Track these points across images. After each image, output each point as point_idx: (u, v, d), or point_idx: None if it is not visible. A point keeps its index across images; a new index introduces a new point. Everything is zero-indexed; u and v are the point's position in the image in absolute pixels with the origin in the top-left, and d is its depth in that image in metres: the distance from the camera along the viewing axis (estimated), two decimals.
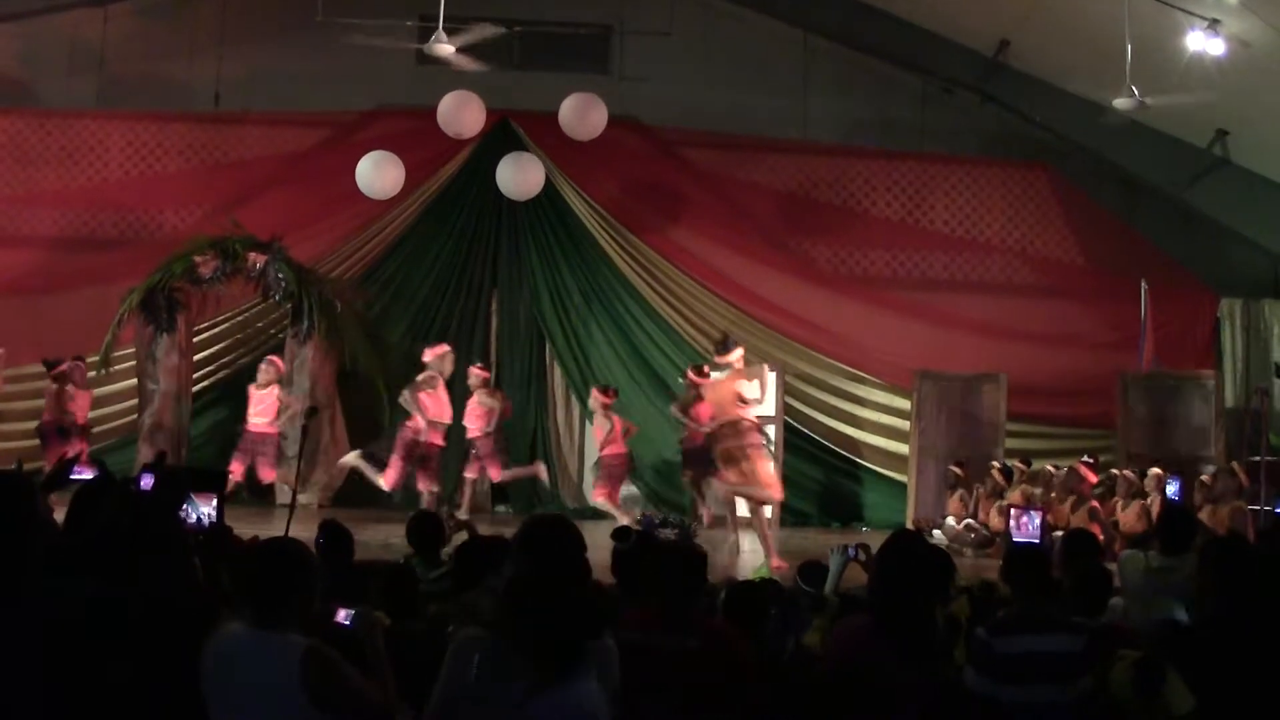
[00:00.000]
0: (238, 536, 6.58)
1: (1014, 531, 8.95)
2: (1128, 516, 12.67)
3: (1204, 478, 12.81)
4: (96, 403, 15.21)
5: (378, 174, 14.46)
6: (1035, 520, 10.52)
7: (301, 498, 13.14)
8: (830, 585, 6.28)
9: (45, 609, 3.67)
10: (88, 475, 6.41)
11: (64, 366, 14.20)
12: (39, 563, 3.79)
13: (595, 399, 14.63)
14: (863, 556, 6.30)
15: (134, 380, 15.12)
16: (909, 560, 4.64)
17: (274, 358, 14.72)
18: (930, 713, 4.47)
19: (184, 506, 6.27)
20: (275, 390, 14.53)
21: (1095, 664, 4.84)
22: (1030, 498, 13.19)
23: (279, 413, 14.53)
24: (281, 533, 8.18)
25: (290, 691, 3.79)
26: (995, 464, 14.21)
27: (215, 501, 6.37)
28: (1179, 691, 4.68)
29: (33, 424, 14.50)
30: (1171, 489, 12.59)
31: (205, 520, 6.29)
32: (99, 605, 3.84)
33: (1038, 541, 8.95)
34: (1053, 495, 13.34)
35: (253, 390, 14.62)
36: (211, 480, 6.77)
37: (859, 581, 6.45)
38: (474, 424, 14.43)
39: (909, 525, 14.74)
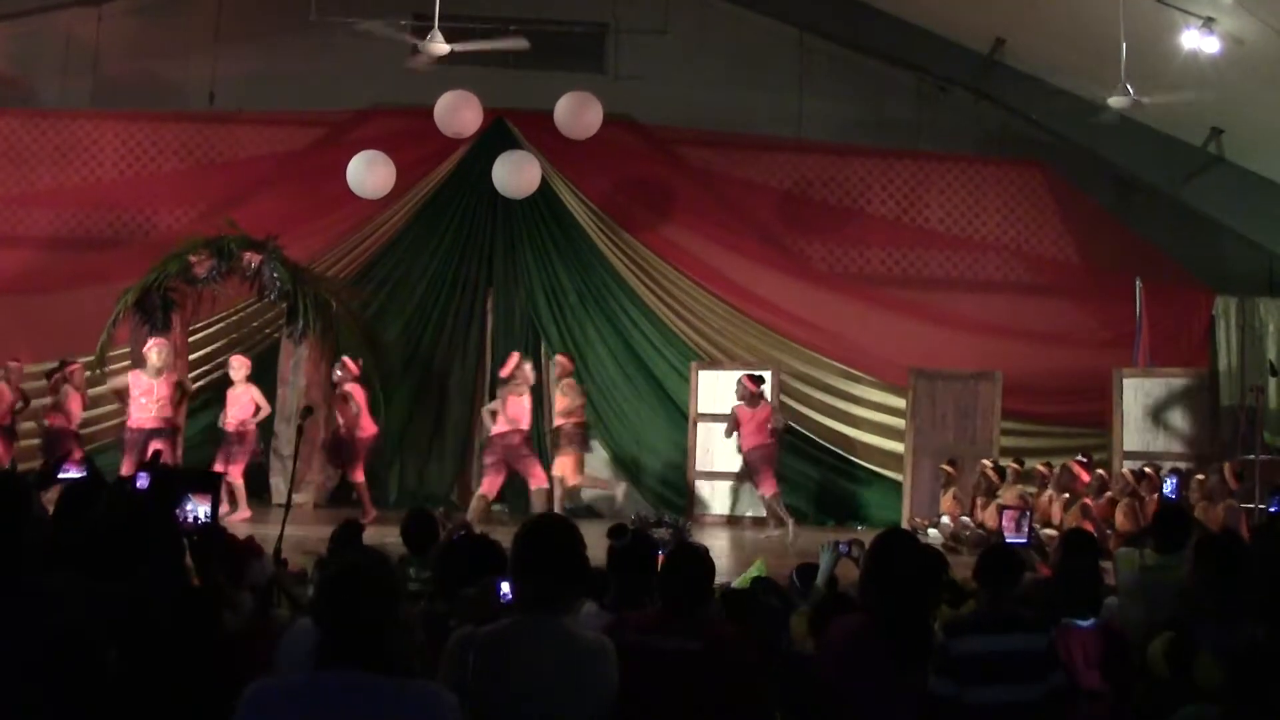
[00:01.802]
0: (232, 535, 6.58)
1: (1006, 531, 8.92)
2: (1117, 514, 12.68)
3: (1199, 476, 12.83)
4: (91, 403, 15.21)
5: (368, 173, 14.44)
6: (1028, 519, 10.51)
7: (297, 497, 13.10)
8: (821, 582, 6.25)
9: (41, 606, 3.67)
10: (76, 474, 6.40)
11: (72, 366, 14.20)
12: (35, 561, 3.79)
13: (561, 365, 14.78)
14: (856, 553, 6.26)
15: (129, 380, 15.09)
16: (899, 559, 4.62)
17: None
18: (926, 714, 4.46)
19: (184, 506, 6.27)
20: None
21: (1061, 663, 4.83)
22: (1024, 496, 13.20)
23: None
24: (277, 532, 8.18)
25: None
26: (986, 462, 14.21)
27: (210, 501, 6.35)
28: (1207, 666, 4.73)
29: (31, 424, 14.51)
30: (1168, 487, 12.60)
31: (203, 519, 6.29)
32: (95, 603, 3.84)
33: (1026, 541, 8.92)
34: (1047, 494, 13.35)
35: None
36: (206, 480, 6.75)
37: (853, 579, 6.43)
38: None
39: (904, 524, 14.77)
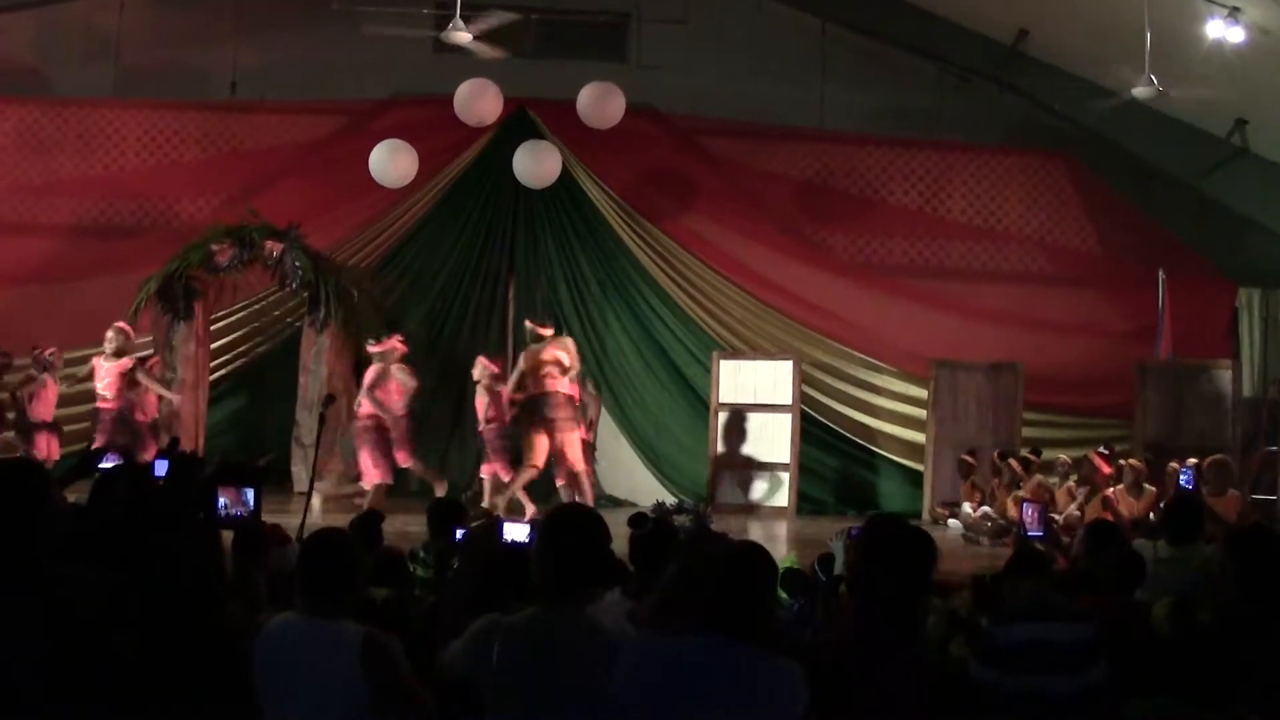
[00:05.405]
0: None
1: (1026, 523, 8.90)
2: (1141, 506, 12.55)
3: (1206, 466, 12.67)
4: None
5: (390, 162, 14.43)
6: (1046, 513, 10.48)
7: (319, 486, 13.13)
8: (838, 571, 6.22)
9: (51, 594, 3.67)
10: (115, 462, 6.45)
11: (154, 360, 14.23)
12: (48, 549, 3.78)
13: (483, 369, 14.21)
14: None
15: None
16: (884, 543, 4.56)
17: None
18: (919, 699, 4.42)
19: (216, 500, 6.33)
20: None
21: (1104, 653, 4.80)
22: (1044, 489, 13.14)
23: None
24: (298, 521, 8.24)
25: (349, 677, 3.94)
26: (997, 453, 14.13)
27: (253, 495, 6.43)
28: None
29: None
30: (1183, 478, 12.49)
31: (243, 514, 6.35)
32: (104, 591, 3.85)
33: (1043, 534, 8.92)
34: (1067, 485, 13.29)
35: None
36: (250, 474, 6.81)
37: None
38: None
39: (925, 514, 14.81)
